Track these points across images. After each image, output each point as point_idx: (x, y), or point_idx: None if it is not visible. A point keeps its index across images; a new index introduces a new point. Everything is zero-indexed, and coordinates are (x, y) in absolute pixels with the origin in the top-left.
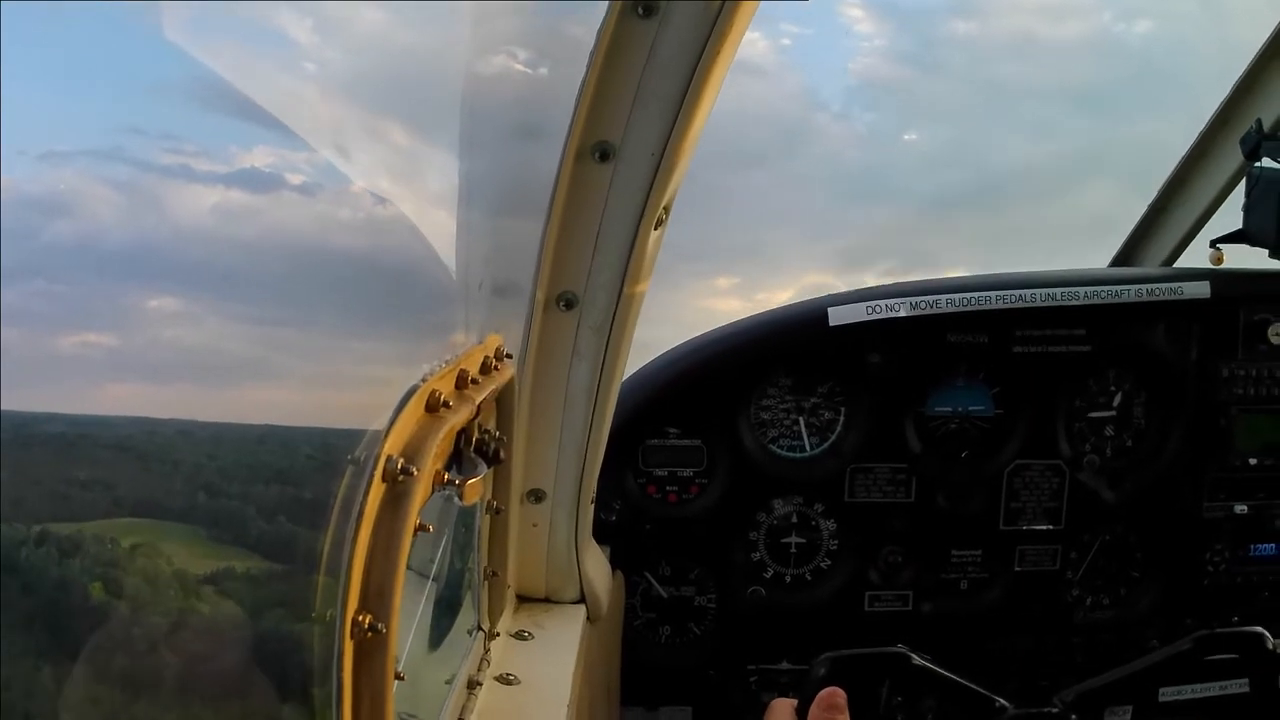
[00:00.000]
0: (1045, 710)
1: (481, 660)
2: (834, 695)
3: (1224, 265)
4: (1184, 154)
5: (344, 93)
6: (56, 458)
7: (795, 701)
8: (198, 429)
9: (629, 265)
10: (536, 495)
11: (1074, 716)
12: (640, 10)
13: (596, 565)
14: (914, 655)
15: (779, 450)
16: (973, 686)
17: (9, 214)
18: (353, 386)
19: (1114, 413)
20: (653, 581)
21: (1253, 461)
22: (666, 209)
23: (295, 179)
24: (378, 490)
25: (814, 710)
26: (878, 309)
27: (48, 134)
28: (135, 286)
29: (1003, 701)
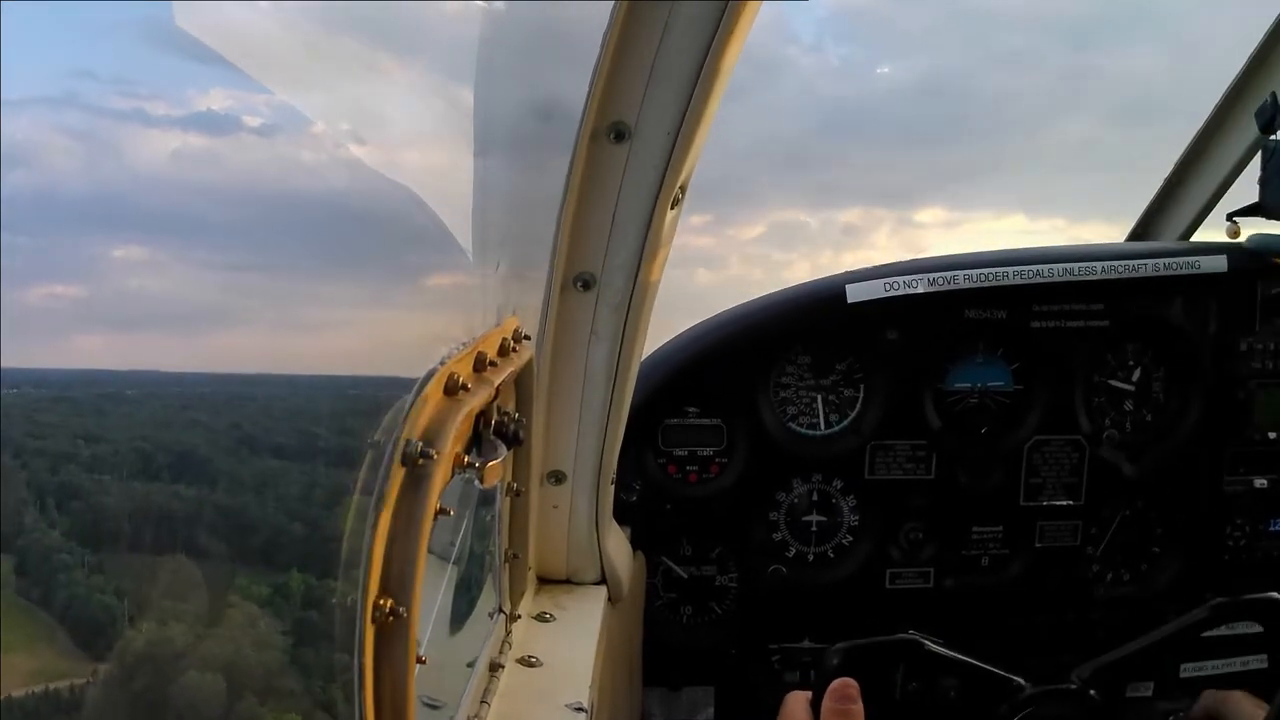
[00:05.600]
0: (1063, 687)
1: (503, 642)
2: (846, 686)
3: (1241, 239)
4: (1199, 127)
5: (358, 66)
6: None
7: (809, 694)
8: (217, 407)
9: (646, 245)
10: (556, 477)
11: (1093, 692)
12: None
13: (617, 546)
14: (926, 641)
15: (799, 428)
16: (987, 668)
17: None
18: (370, 369)
19: (1133, 387)
20: (671, 564)
21: (1272, 435)
22: (683, 188)
23: (308, 154)
24: (398, 474)
25: (826, 701)
26: (895, 286)
27: None
28: (100, 236)
29: (1019, 680)
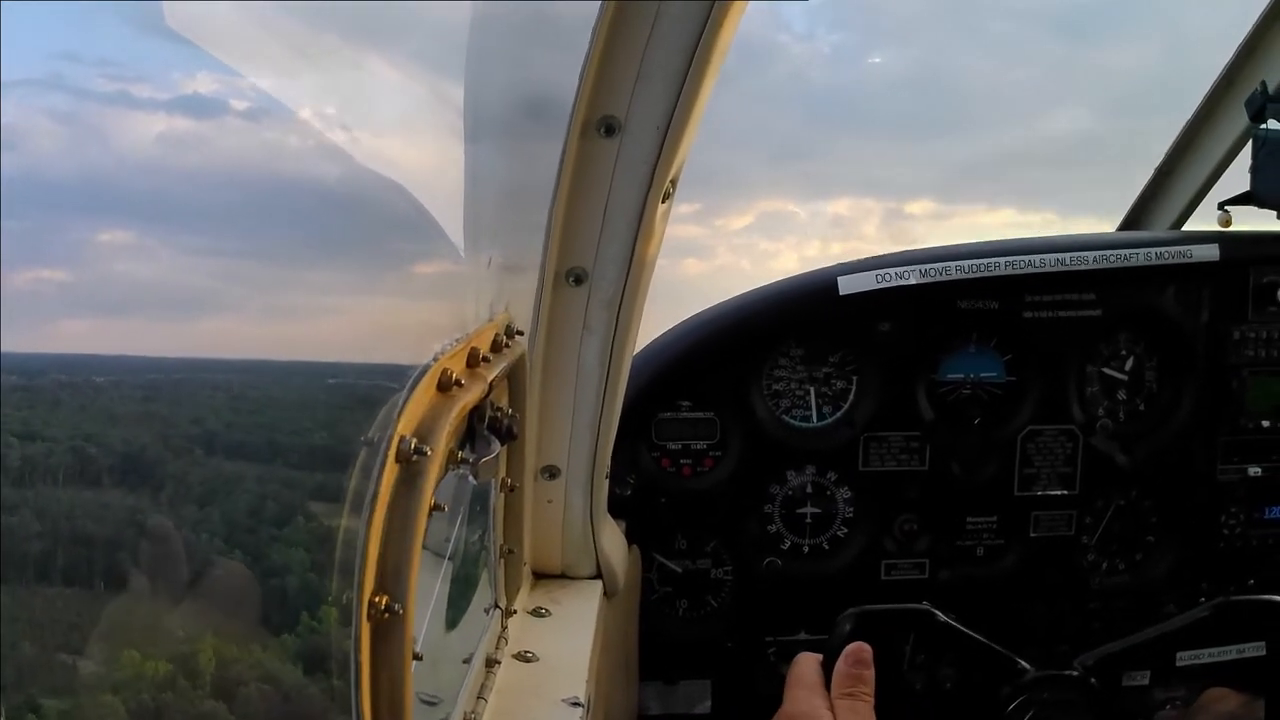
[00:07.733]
0: (1066, 673)
1: (499, 638)
2: (861, 650)
3: (1232, 228)
4: (1189, 117)
5: (348, 56)
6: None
7: (820, 656)
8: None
9: (638, 239)
10: (551, 472)
11: (1093, 680)
12: None
13: (612, 540)
14: (938, 613)
15: (792, 420)
16: (995, 647)
17: None
18: (362, 367)
19: (1126, 376)
20: (664, 561)
21: (1265, 424)
22: (674, 182)
23: (298, 142)
24: (391, 471)
25: (840, 664)
26: (887, 277)
27: None
28: (86, 220)
29: (1024, 664)
